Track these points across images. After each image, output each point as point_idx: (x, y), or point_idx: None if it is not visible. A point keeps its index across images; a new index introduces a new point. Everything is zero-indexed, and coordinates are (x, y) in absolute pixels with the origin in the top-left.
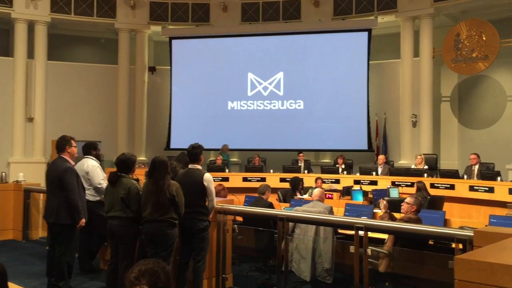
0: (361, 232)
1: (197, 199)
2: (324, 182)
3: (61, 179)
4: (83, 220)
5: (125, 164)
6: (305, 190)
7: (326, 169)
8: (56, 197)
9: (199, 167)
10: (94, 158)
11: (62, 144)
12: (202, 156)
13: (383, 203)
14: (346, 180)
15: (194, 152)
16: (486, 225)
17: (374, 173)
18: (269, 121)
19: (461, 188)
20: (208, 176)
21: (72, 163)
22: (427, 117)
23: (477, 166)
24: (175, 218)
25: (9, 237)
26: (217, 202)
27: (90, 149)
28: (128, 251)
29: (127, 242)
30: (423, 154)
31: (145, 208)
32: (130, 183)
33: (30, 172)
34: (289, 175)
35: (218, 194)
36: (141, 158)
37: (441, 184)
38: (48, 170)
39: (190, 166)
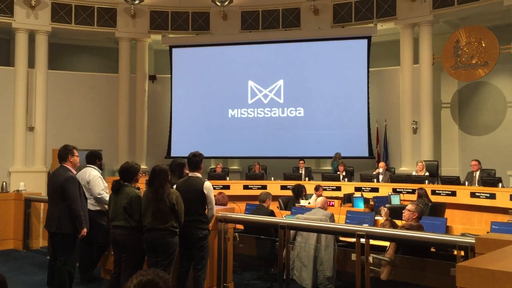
0: (362, 240)
1: (197, 207)
2: (324, 190)
3: (63, 188)
4: (85, 230)
5: (128, 173)
6: (307, 197)
7: (327, 176)
8: (58, 207)
9: (199, 175)
10: (97, 168)
11: (64, 153)
12: (202, 164)
13: (384, 210)
14: (347, 187)
15: (195, 160)
16: (487, 232)
17: (375, 180)
18: (269, 128)
19: (463, 195)
20: (208, 184)
21: (74, 172)
22: (428, 124)
23: (478, 173)
24: (176, 226)
25: (9, 246)
26: (217, 210)
27: (95, 158)
28: (131, 260)
29: (130, 251)
30: (424, 160)
31: (145, 216)
32: (132, 192)
33: (31, 181)
34: (290, 183)
35: (218, 202)
36: (142, 166)
37: (442, 190)
38: (50, 179)
39: (190, 174)
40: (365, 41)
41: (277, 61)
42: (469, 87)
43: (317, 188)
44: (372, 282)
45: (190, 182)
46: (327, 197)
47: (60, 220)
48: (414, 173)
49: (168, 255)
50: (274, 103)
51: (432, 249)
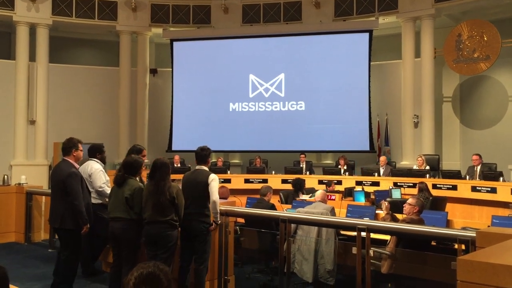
0: (363, 233)
1: (201, 200)
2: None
3: (65, 183)
4: (87, 226)
5: (131, 166)
6: (307, 191)
7: (328, 170)
8: (61, 202)
9: (205, 168)
10: (99, 161)
11: (68, 147)
12: (210, 159)
13: (385, 204)
14: (348, 181)
15: (203, 154)
16: (488, 226)
17: (376, 174)
18: (270, 122)
19: (464, 189)
20: (213, 175)
21: (77, 166)
22: (429, 118)
23: (479, 167)
24: (176, 220)
25: (11, 239)
26: (219, 204)
27: (96, 152)
28: (131, 254)
29: (130, 245)
30: (425, 154)
31: (146, 209)
32: (136, 184)
33: (32, 174)
34: (291, 177)
35: (219, 195)
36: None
37: (443, 184)
38: (52, 174)
39: (197, 167)
40: (366, 35)
41: (278, 55)
42: (471, 81)
43: (329, 184)
44: (373, 275)
45: (196, 175)
46: (328, 191)
47: (63, 216)
48: (415, 167)
49: (168, 249)
50: (275, 97)
51: (433, 243)
